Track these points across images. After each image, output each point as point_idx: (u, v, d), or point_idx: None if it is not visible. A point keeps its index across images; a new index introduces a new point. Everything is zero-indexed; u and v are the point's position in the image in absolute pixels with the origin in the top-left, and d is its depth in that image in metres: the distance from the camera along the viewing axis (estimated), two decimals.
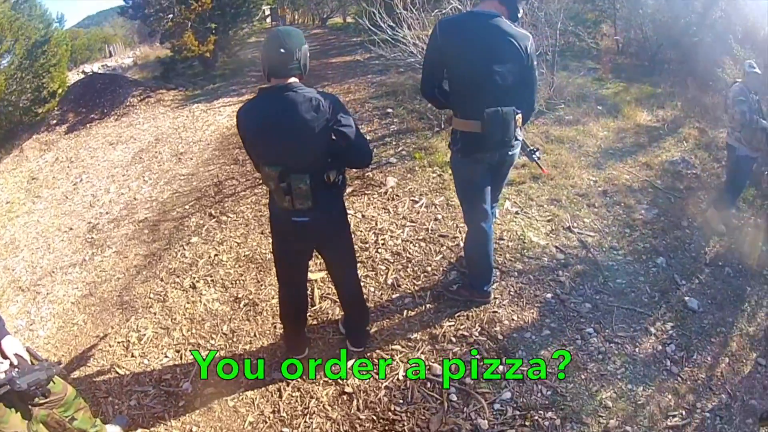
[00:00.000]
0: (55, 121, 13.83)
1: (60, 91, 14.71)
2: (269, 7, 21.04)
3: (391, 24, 9.07)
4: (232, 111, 11.42)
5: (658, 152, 8.31)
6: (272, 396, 4.02)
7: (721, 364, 4.62)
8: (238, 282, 5.35)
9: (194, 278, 5.56)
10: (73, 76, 18.10)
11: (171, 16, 15.40)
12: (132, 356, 4.69)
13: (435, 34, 3.91)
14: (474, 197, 4.23)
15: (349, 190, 6.53)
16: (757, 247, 6.45)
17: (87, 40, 26.28)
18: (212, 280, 5.45)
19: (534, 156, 4.48)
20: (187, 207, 7.30)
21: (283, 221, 3.57)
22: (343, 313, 4.39)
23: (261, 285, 5.22)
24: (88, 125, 13.29)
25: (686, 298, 5.19)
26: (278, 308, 4.25)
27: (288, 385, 4.07)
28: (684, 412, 4.02)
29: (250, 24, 17.51)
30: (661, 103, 10.40)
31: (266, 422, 3.85)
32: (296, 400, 3.96)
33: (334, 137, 3.26)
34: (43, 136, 13.24)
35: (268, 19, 22.05)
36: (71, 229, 7.90)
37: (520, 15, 4.00)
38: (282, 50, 3.16)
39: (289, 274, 3.92)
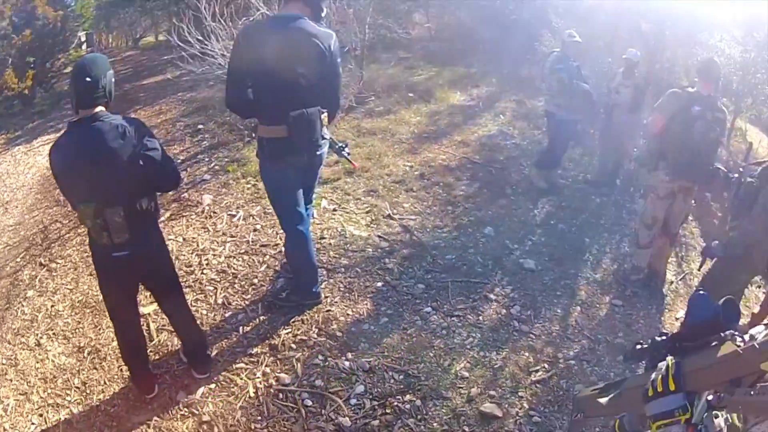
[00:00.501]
0: None
1: None
2: (85, 33, 20.15)
3: (200, 38, 8.98)
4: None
5: (474, 129, 8.75)
6: None
7: (574, 313, 4.98)
8: (77, 330, 5.17)
9: (37, 335, 5.32)
10: None
11: None
12: (4, 430, 4.48)
13: (238, 42, 3.96)
14: (287, 202, 4.30)
15: (167, 214, 6.46)
16: (590, 200, 6.86)
17: None
18: (54, 334, 5.24)
19: (343, 152, 4.62)
20: (18, 260, 6.97)
21: (104, 258, 3.51)
22: (181, 342, 4.36)
23: (99, 330, 5.07)
24: None
25: (522, 260, 5.53)
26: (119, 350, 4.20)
27: (149, 426, 3.98)
28: (547, 365, 4.29)
29: (66, 53, 16.76)
30: (475, 83, 10.91)
31: None
32: None
33: (141, 162, 3.24)
34: None
35: (84, 46, 21.11)
36: None
37: (323, 14, 4.13)
38: (88, 79, 3.12)
39: (120, 311, 3.85)
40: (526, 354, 4.36)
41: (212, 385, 4.14)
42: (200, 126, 9.37)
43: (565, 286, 5.31)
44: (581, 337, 4.65)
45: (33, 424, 4.34)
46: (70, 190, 3.38)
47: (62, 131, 3.38)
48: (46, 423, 4.29)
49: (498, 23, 13.11)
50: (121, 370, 4.48)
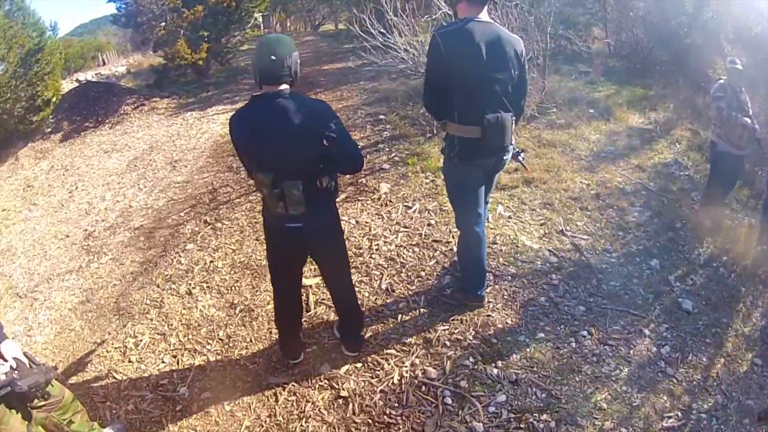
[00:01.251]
0: (49, 129, 13.84)
1: (54, 99, 14.67)
2: (261, 14, 20.92)
3: (382, 30, 9.15)
4: (226, 119, 11.33)
5: (650, 154, 8.37)
6: (268, 400, 4.04)
7: (717, 364, 4.63)
8: (233, 288, 5.37)
9: (190, 284, 5.58)
10: (67, 85, 18.05)
11: (163, 24, 15.34)
12: (129, 362, 4.71)
13: (437, 45, 3.90)
14: (468, 201, 4.26)
15: (342, 196, 6.54)
16: (752, 247, 6.47)
17: (80, 49, 26.07)
18: (208, 287, 5.47)
19: (519, 157, 4.51)
20: (182, 214, 7.33)
21: (276, 227, 3.59)
22: (337, 317, 4.41)
23: (256, 291, 5.24)
24: (82, 133, 13.32)
25: (680, 300, 5.23)
26: (273, 314, 4.28)
27: (284, 390, 4.08)
28: (680, 414, 4.04)
29: (242, 32, 17.42)
30: (653, 105, 10.46)
31: (262, 426, 3.87)
32: (292, 404, 3.97)
33: (325, 143, 3.27)
34: (38, 144, 13.25)
35: (261, 27, 22.00)
36: (67, 236, 7.92)
37: None
38: (273, 57, 3.18)
39: (283, 279, 3.93)
40: (664, 398, 4.12)
41: (358, 365, 4.17)
42: (381, 116, 9.42)
43: (714, 334, 4.96)
44: (717, 391, 4.32)
45: (163, 362, 4.55)
46: (249, 159, 3.45)
47: (245, 103, 3.44)
48: (177, 364, 4.49)
49: (673, 45, 12.64)
50: (270, 332, 4.59)
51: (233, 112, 3.46)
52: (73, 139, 13.12)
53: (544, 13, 9.70)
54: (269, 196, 3.36)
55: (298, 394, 4.04)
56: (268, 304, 4.94)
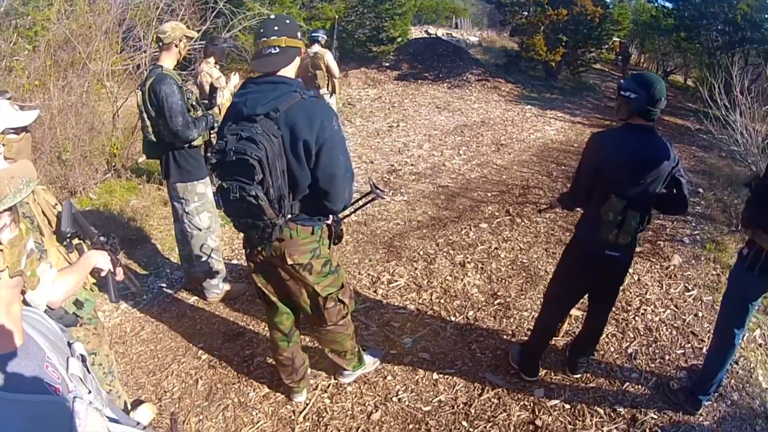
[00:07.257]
0: (387, 64, 15.04)
1: (400, 40, 16.14)
2: (618, 40, 20.56)
3: (726, 104, 8.76)
4: (561, 126, 11.68)
5: None
6: (472, 390, 4.11)
7: None
8: (504, 280, 5.47)
9: (467, 258, 5.82)
10: (416, 33, 19.44)
11: (525, 14, 15.89)
12: (374, 291, 5.11)
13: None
14: (739, 315, 3.88)
15: (638, 249, 6.01)
16: None
17: (435, 4, 27.04)
18: (481, 268, 5.64)
19: None
20: (488, 194, 7.62)
21: (593, 252, 3.61)
22: (574, 342, 4.33)
23: (522, 294, 5.25)
24: (419, 81, 14.34)
25: None
26: (530, 323, 4.43)
27: (491, 389, 4.12)
28: None
29: (598, 50, 17.39)
30: None
31: (444, 409, 3.95)
32: (489, 405, 4.01)
33: (669, 184, 3.41)
34: (372, 72, 14.39)
35: (616, 53, 21.66)
36: (372, 162, 8.67)
37: None
38: (660, 99, 3.29)
39: (565, 302, 4.04)
40: None
41: (567, 406, 4.07)
42: (700, 190, 8.83)
43: None
44: None
45: (403, 309, 4.94)
46: (609, 181, 3.47)
47: (613, 126, 3.61)
48: (414, 318, 4.86)
49: None
50: (514, 335, 4.68)
51: (598, 131, 3.63)
52: (407, 82, 14.21)
53: None
54: (609, 222, 3.44)
55: (500, 400, 4.03)
56: (527, 310, 4.97)
